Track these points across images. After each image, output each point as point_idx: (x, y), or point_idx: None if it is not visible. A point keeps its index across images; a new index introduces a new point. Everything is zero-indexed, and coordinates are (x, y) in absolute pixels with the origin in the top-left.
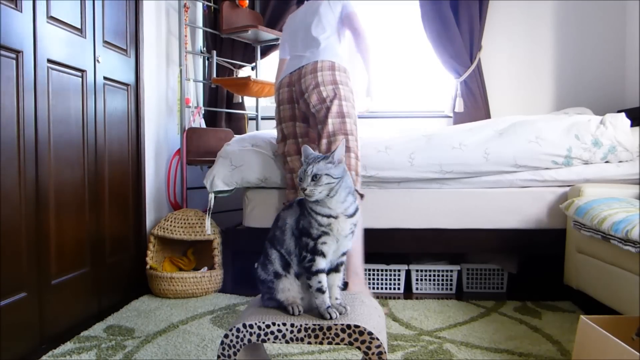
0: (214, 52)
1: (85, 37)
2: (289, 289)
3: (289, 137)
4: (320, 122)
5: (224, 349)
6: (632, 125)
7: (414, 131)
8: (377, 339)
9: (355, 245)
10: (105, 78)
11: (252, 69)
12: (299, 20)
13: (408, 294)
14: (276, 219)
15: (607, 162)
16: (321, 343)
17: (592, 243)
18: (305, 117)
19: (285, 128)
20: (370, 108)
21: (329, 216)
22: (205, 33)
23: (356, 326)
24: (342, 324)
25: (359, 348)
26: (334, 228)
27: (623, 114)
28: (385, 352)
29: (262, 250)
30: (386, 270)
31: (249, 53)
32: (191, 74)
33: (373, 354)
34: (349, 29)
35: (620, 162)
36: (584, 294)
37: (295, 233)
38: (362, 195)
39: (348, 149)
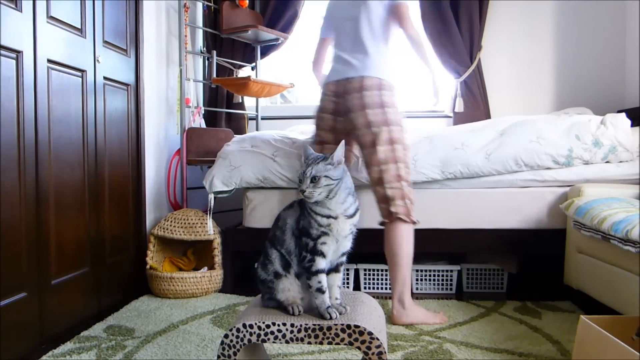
0: (214, 52)
1: (85, 37)
2: (289, 289)
3: (328, 143)
4: (366, 147)
5: (224, 349)
6: (632, 125)
7: (415, 133)
8: (377, 339)
9: (399, 270)
10: (105, 78)
11: (252, 69)
12: (345, 7)
13: None
14: (276, 218)
15: (607, 162)
16: (321, 343)
17: (592, 243)
18: (348, 130)
19: (324, 134)
20: (436, 107)
21: (328, 217)
22: (205, 33)
23: (356, 326)
24: (342, 324)
25: (359, 348)
26: (334, 228)
27: (623, 114)
28: (385, 352)
29: (262, 250)
30: (386, 270)
31: (249, 53)
32: (191, 74)
33: (373, 354)
34: (397, 25)
35: (620, 162)
36: (584, 294)
37: (296, 233)
38: (414, 222)
39: (399, 177)
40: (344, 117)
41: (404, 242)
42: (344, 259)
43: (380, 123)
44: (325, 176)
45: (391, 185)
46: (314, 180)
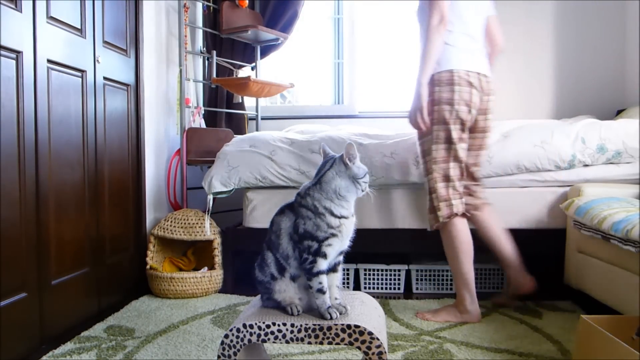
0: (214, 52)
1: (85, 38)
2: (284, 289)
3: (463, 141)
4: (479, 149)
5: (224, 349)
6: None
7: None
8: (377, 339)
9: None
10: (105, 78)
11: (252, 69)
12: None
13: (408, 294)
14: (271, 223)
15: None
16: (321, 343)
17: (592, 243)
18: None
19: (469, 135)
20: None
21: (341, 217)
22: (205, 33)
23: (356, 326)
24: (342, 324)
25: (359, 348)
26: (343, 229)
27: (637, 120)
28: (385, 352)
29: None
30: (386, 270)
31: (248, 53)
32: (191, 74)
33: (373, 354)
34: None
35: (620, 162)
36: (584, 293)
37: (295, 238)
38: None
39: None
40: (478, 115)
41: None
42: (341, 258)
43: (489, 130)
44: (366, 173)
45: (479, 182)
46: (365, 176)
